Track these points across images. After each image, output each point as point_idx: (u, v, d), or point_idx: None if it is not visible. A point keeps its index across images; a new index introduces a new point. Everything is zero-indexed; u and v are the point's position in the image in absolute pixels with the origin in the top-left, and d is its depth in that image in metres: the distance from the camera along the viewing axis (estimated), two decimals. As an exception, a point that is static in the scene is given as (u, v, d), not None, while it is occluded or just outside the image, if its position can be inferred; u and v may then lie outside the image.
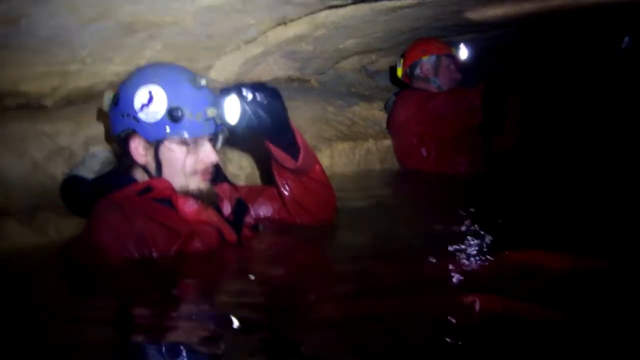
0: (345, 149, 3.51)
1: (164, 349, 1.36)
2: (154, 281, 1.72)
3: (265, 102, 1.84)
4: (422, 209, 2.75)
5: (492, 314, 1.50)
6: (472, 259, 1.90)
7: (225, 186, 2.05)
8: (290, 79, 3.79)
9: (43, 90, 2.40)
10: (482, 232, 2.17)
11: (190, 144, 1.83)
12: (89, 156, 2.11)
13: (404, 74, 3.84)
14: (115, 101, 1.83)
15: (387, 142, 3.78)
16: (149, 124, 1.79)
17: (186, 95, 1.80)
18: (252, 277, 1.84)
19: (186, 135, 1.81)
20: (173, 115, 1.78)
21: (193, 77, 1.85)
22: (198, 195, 1.88)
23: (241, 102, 1.81)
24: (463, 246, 2.06)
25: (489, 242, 2.07)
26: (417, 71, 3.77)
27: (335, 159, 3.42)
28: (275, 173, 2.09)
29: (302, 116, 3.42)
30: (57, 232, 2.08)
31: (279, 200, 2.14)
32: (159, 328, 1.48)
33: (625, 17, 4.24)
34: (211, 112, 1.82)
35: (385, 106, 3.95)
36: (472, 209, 2.56)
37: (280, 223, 2.16)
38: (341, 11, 2.82)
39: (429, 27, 3.63)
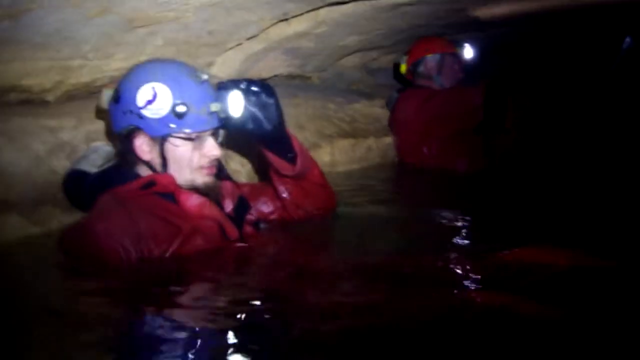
0: (345, 146, 3.52)
1: (161, 345, 1.36)
2: (153, 277, 1.73)
3: (267, 99, 1.86)
4: (422, 205, 2.75)
5: (491, 311, 1.51)
6: (471, 255, 1.90)
7: (228, 184, 2.06)
8: (291, 76, 3.80)
9: (45, 85, 2.41)
10: (482, 229, 2.18)
11: (194, 140, 1.84)
12: (91, 150, 2.12)
13: (408, 70, 3.85)
14: (117, 98, 1.83)
15: (388, 140, 3.79)
16: (153, 120, 1.79)
17: (189, 91, 1.81)
18: (253, 274, 1.85)
19: (191, 130, 1.81)
20: (177, 111, 1.78)
21: (194, 72, 1.86)
22: (203, 190, 1.89)
23: (244, 95, 1.83)
24: (463, 243, 2.07)
25: (489, 239, 2.07)
26: (421, 69, 3.78)
27: (336, 156, 3.43)
28: (274, 179, 2.10)
29: (302, 113, 3.43)
30: (59, 226, 2.09)
31: (280, 200, 2.16)
32: (155, 324, 1.49)
33: (627, 17, 4.23)
34: (215, 106, 1.83)
35: (387, 103, 3.96)
36: (472, 207, 2.57)
37: (281, 221, 2.18)
38: (342, 8, 2.82)
39: (430, 25, 3.64)
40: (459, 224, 2.29)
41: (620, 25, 4.50)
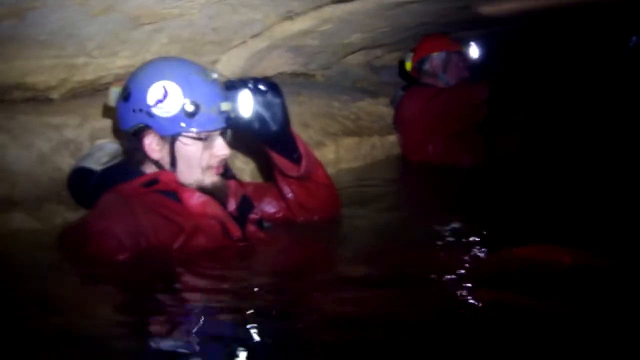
0: (350, 144, 3.51)
1: (161, 341, 1.37)
2: (154, 274, 1.73)
3: (273, 98, 1.86)
4: (426, 204, 2.75)
5: (493, 309, 1.50)
6: (474, 253, 1.91)
7: (232, 182, 2.05)
8: (295, 74, 3.80)
9: (50, 82, 2.41)
10: (485, 228, 2.17)
11: (204, 139, 1.83)
12: (96, 148, 2.12)
13: (413, 68, 3.85)
14: (126, 96, 1.83)
15: (392, 138, 3.79)
16: (163, 119, 1.79)
17: (200, 90, 1.81)
18: (255, 273, 1.84)
19: (201, 129, 1.81)
20: (188, 111, 1.78)
21: (204, 71, 1.85)
22: (210, 190, 1.89)
23: (254, 95, 1.83)
24: (466, 241, 2.07)
25: (492, 237, 2.07)
26: (426, 66, 3.79)
27: (340, 154, 3.42)
28: (278, 179, 2.10)
29: (307, 111, 3.43)
30: (63, 224, 2.09)
31: (284, 200, 2.15)
32: (153, 322, 1.49)
33: (632, 15, 4.22)
34: (225, 106, 1.83)
35: (391, 101, 3.96)
36: (476, 205, 2.58)
37: (285, 221, 2.17)
38: (347, 6, 2.81)
39: (435, 23, 3.63)
40: (462, 222, 2.29)
41: (626, 23, 4.49)
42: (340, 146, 3.43)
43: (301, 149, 2.01)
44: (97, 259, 1.72)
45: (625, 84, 4.33)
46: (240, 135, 1.96)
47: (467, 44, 3.89)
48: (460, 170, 3.38)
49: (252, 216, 2.04)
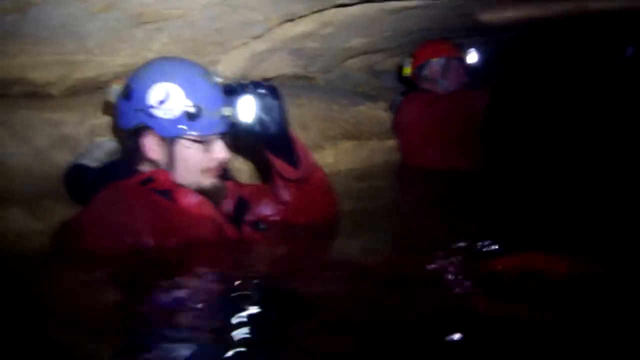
0: (349, 148, 3.52)
1: (156, 337, 1.37)
2: (148, 273, 1.72)
3: (272, 102, 1.86)
4: (424, 208, 2.75)
5: (488, 317, 1.50)
6: (471, 260, 1.90)
7: (230, 183, 2.05)
8: (295, 77, 3.80)
9: (50, 79, 2.40)
10: (483, 234, 2.17)
11: (204, 142, 1.83)
12: (94, 146, 2.12)
13: (412, 73, 3.86)
14: (127, 95, 1.82)
15: (391, 142, 3.80)
16: (164, 120, 1.79)
17: (203, 93, 1.81)
18: (250, 275, 1.83)
19: (202, 133, 1.81)
20: (190, 113, 1.78)
21: (207, 73, 1.85)
22: (207, 192, 1.89)
23: (256, 101, 1.83)
24: (463, 248, 2.06)
25: (489, 243, 2.07)
26: (425, 72, 3.79)
27: (340, 157, 3.43)
28: (276, 182, 2.10)
29: (307, 114, 3.43)
30: (60, 220, 2.09)
31: (282, 202, 2.15)
32: (145, 323, 1.47)
33: (629, 26, 4.25)
34: (227, 110, 1.83)
35: (390, 106, 3.96)
36: (474, 211, 2.57)
37: (282, 223, 2.17)
38: (349, 10, 2.82)
39: (436, 29, 3.64)
40: (459, 228, 2.29)
41: (623, 34, 4.52)
42: (339, 149, 3.44)
43: (300, 152, 2.01)
44: (90, 254, 1.72)
45: (622, 93, 4.35)
46: (239, 137, 1.96)
47: (466, 50, 3.89)
48: (459, 175, 3.38)
49: (249, 218, 2.03)
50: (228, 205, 1.99)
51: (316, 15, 2.84)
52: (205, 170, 1.87)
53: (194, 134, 1.81)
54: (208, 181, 1.88)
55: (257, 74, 3.21)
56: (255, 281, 1.75)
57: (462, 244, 2.07)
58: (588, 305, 1.51)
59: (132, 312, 1.52)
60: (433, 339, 1.38)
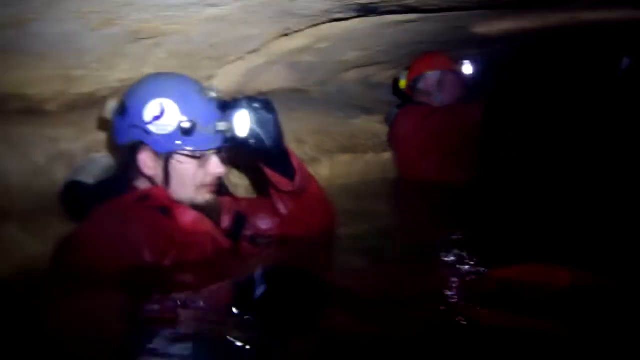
0: (345, 161, 3.52)
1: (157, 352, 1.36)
2: (145, 289, 1.71)
3: (267, 115, 1.86)
4: (421, 222, 2.75)
5: (489, 329, 1.50)
6: (469, 272, 1.91)
7: (226, 199, 2.05)
8: (291, 90, 3.81)
9: (47, 94, 2.40)
10: (481, 246, 2.18)
11: (199, 157, 1.84)
12: (89, 161, 2.11)
13: (407, 86, 3.87)
14: (122, 111, 1.83)
15: (387, 155, 3.80)
16: (159, 136, 1.79)
17: (197, 108, 1.81)
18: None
19: (197, 148, 1.81)
20: (185, 129, 1.78)
21: (202, 88, 1.86)
22: (203, 207, 1.89)
23: (251, 115, 1.83)
24: (461, 259, 2.06)
25: (487, 255, 2.07)
26: (421, 85, 3.79)
27: (335, 171, 3.43)
28: (273, 195, 2.10)
29: (302, 127, 3.44)
30: (57, 236, 2.09)
31: (279, 215, 2.14)
32: (149, 334, 1.46)
33: (625, 37, 4.27)
34: (222, 125, 1.83)
35: (386, 119, 3.96)
36: (471, 223, 2.58)
37: (280, 237, 2.16)
38: (344, 24, 2.83)
39: (432, 42, 3.66)
40: (458, 240, 2.29)
41: (619, 44, 4.54)
42: (335, 163, 3.44)
43: (295, 164, 2.01)
44: (89, 270, 1.71)
45: (618, 104, 4.36)
46: (235, 151, 1.96)
47: (462, 63, 3.90)
48: (455, 188, 3.38)
49: (247, 232, 2.03)
50: (225, 220, 1.99)
51: (312, 30, 2.85)
52: (201, 186, 1.87)
53: (189, 149, 1.81)
54: (204, 197, 1.88)
55: (253, 88, 3.22)
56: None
57: (460, 257, 2.08)
58: (589, 317, 1.51)
59: (131, 324, 1.52)
60: (433, 349, 1.38)
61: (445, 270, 1.93)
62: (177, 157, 1.82)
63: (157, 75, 1.94)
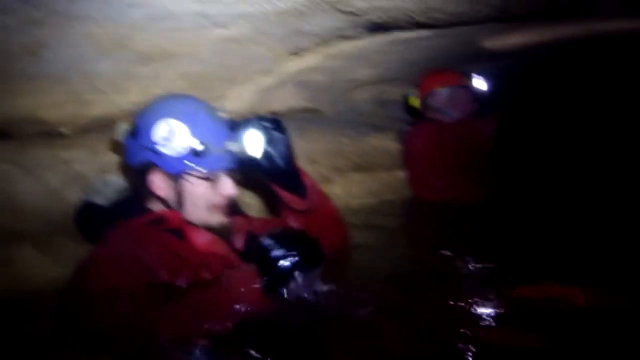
0: (358, 180, 3.52)
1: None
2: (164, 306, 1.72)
3: (278, 135, 1.87)
4: (436, 241, 2.72)
5: (504, 348, 1.49)
6: (484, 293, 1.88)
7: (239, 218, 2.05)
8: (303, 110, 3.82)
9: (62, 118, 2.44)
10: (495, 266, 2.15)
11: (211, 178, 1.84)
12: (103, 183, 2.13)
13: (419, 104, 3.85)
14: (133, 133, 1.84)
15: (401, 173, 3.78)
16: (170, 157, 1.80)
17: (207, 129, 1.82)
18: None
19: (208, 168, 1.82)
20: (195, 149, 1.79)
21: (212, 109, 1.87)
22: (215, 229, 1.89)
23: (261, 134, 1.84)
24: (476, 279, 2.05)
25: (501, 275, 2.04)
26: (432, 102, 3.77)
27: (349, 190, 3.42)
28: (285, 214, 2.10)
29: (315, 147, 3.44)
30: (73, 259, 2.09)
31: None
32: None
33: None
34: (232, 145, 1.83)
35: (398, 137, 3.95)
36: (485, 241, 2.55)
37: None
38: (355, 42, 2.84)
39: (443, 58, 3.65)
40: (472, 260, 2.26)
41: (636, 57, 4.51)
42: (349, 182, 3.44)
43: (306, 182, 2.01)
44: (106, 291, 1.72)
45: (636, 117, 4.33)
46: (246, 171, 1.96)
47: (473, 77, 3.87)
48: (469, 205, 3.34)
49: None
50: (238, 241, 1.99)
51: (322, 49, 2.87)
52: (213, 207, 1.87)
53: (199, 170, 1.81)
54: (215, 218, 1.88)
55: (264, 107, 3.23)
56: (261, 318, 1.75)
57: (475, 277, 2.06)
58: (605, 337, 1.49)
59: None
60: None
61: (458, 291, 1.91)
62: (188, 178, 1.83)
63: (167, 97, 1.95)
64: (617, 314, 1.63)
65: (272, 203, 2.65)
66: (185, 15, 1.97)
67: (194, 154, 1.79)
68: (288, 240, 1.71)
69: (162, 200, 1.87)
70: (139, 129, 1.83)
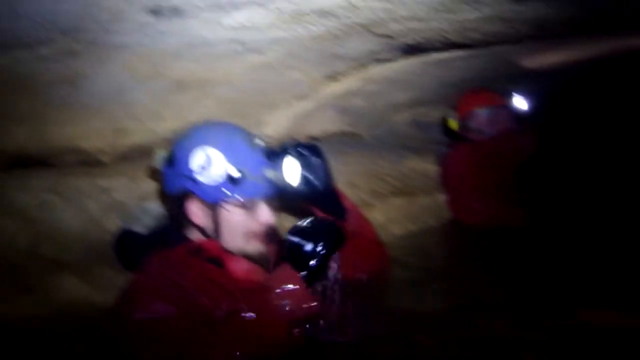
0: (399, 205, 3.47)
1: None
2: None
3: (316, 160, 1.85)
4: (477, 267, 2.66)
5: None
6: (527, 321, 1.83)
7: (277, 246, 2.03)
8: (341, 133, 3.81)
9: (100, 146, 2.47)
10: (537, 293, 2.09)
11: (248, 206, 1.83)
12: (142, 211, 2.13)
13: (457, 125, 3.80)
14: (171, 161, 1.84)
15: (441, 197, 3.71)
16: (207, 186, 1.78)
17: (244, 157, 1.80)
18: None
19: (245, 196, 1.80)
20: (232, 178, 1.77)
21: (249, 136, 1.85)
22: (254, 257, 1.87)
23: (299, 161, 1.82)
24: (517, 307, 2.00)
25: (545, 302, 1.99)
26: (471, 123, 3.70)
27: (389, 215, 3.37)
28: None
29: (354, 171, 3.41)
30: (112, 286, 2.10)
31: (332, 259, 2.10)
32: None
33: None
34: (270, 173, 1.82)
35: (438, 159, 3.89)
36: (527, 266, 2.48)
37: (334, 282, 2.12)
38: (391, 65, 2.83)
39: (479, 78, 3.61)
40: (513, 287, 2.22)
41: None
42: (389, 206, 3.39)
43: (347, 206, 1.98)
44: (145, 320, 1.71)
45: None
46: (285, 198, 1.94)
47: (513, 96, 3.81)
48: (510, 230, 3.24)
49: None
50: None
51: (359, 72, 2.86)
52: (252, 235, 1.85)
53: (237, 198, 1.80)
54: (253, 247, 1.85)
55: (302, 132, 3.23)
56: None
57: (516, 305, 2.01)
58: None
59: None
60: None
61: (501, 319, 1.86)
62: (225, 206, 1.81)
63: (203, 124, 1.95)
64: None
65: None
66: (219, 42, 1.98)
67: (231, 181, 1.77)
68: (313, 230, 1.74)
69: (199, 229, 1.86)
70: (175, 157, 1.83)
